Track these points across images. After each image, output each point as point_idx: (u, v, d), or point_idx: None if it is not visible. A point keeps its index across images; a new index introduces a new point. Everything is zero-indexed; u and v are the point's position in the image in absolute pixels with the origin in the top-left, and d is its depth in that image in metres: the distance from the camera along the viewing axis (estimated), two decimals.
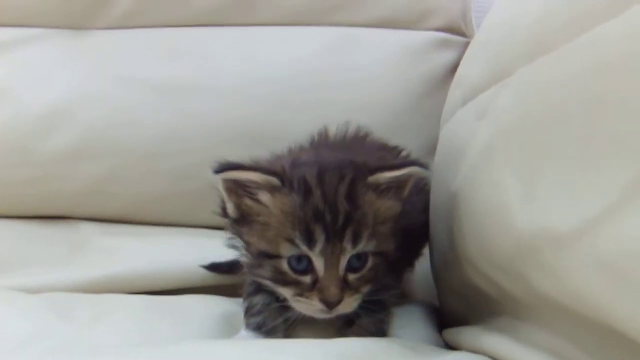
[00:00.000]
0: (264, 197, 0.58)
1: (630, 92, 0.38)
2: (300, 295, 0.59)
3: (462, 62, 0.80)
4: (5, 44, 1.04)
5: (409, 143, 0.94)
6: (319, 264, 0.57)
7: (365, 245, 0.57)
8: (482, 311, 0.66)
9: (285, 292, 0.60)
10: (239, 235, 0.63)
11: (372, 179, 0.59)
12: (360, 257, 0.58)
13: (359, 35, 1.03)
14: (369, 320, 0.64)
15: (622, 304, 0.38)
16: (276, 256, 0.58)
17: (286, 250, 0.57)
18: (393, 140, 0.95)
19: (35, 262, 0.90)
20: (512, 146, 0.52)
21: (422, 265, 0.87)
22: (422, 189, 0.77)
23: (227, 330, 0.69)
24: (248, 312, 0.66)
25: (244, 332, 0.65)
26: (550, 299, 0.47)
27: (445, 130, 0.77)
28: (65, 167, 0.98)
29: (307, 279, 0.58)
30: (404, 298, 0.76)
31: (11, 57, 1.03)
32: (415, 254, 0.82)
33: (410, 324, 0.73)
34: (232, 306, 0.74)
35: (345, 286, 0.58)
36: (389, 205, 0.60)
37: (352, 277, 0.58)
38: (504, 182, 0.52)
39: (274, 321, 0.64)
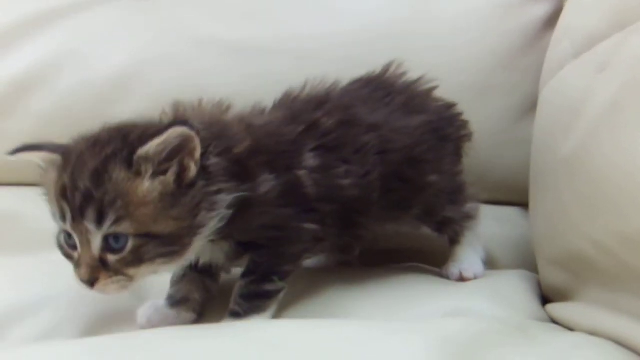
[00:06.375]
0: (50, 174, 0.57)
1: None
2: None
3: (567, 12, 0.72)
4: (73, 4, 0.99)
5: (501, 104, 0.89)
6: (77, 241, 0.55)
7: (117, 227, 0.53)
8: (591, 286, 0.61)
9: None
10: None
11: (142, 151, 0.53)
12: (119, 239, 0.54)
13: None
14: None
15: None
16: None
17: (57, 224, 0.57)
18: (483, 102, 0.87)
19: None
20: None
21: (515, 236, 0.83)
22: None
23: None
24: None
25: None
26: None
27: (549, 89, 0.69)
28: None
29: (75, 254, 0.56)
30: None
31: (78, 19, 0.98)
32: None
33: (511, 296, 0.68)
34: None
35: (103, 267, 0.54)
36: (148, 187, 0.54)
37: (111, 258, 0.54)
38: (637, 143, 0.45)
39: (188, 294, 0.65)
